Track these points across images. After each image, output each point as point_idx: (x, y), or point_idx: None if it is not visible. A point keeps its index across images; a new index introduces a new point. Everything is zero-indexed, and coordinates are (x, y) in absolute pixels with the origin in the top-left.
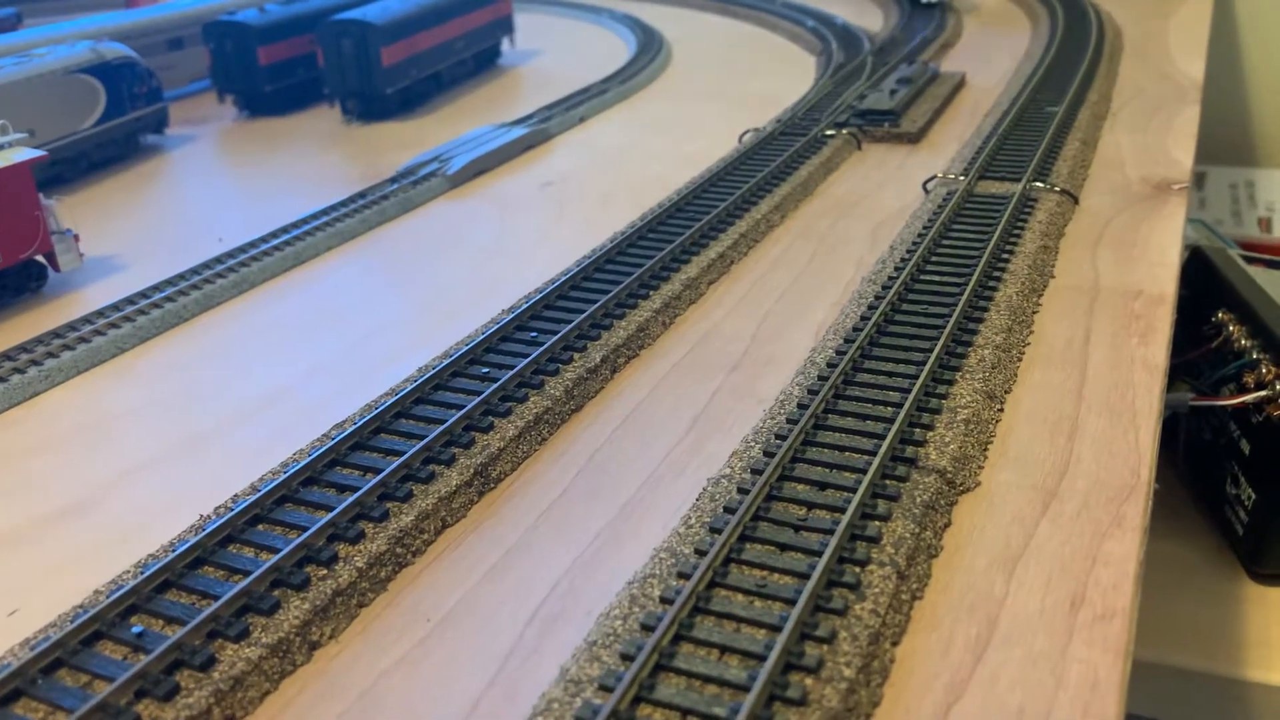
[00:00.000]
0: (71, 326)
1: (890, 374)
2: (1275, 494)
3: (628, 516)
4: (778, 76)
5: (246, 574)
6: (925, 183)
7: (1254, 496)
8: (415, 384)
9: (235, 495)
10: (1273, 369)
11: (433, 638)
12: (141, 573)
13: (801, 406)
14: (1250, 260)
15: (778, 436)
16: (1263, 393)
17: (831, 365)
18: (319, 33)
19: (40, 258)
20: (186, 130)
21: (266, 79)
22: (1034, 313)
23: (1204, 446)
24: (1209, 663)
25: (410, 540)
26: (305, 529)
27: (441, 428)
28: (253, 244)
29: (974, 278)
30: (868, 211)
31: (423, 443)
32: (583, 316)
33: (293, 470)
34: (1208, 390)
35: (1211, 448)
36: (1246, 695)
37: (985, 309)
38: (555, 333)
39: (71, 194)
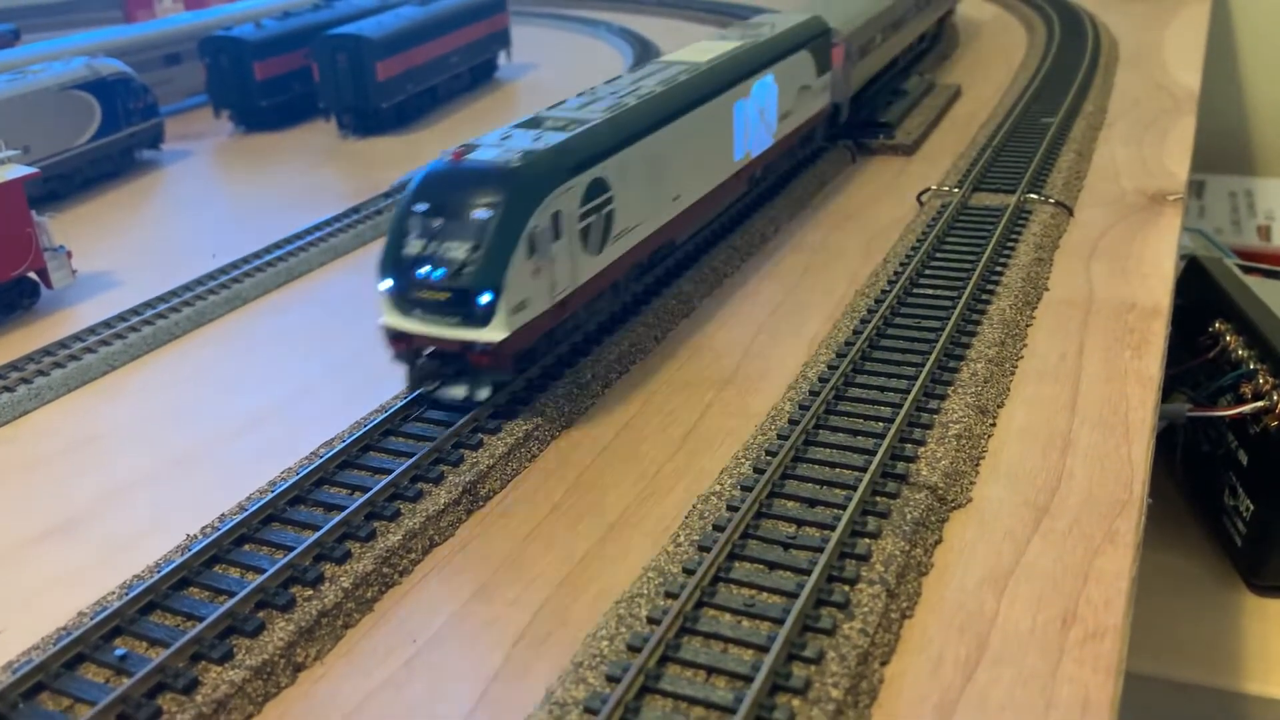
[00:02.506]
0: (63, 344)
1: (882, 389)
2: (1273, 505)
3: (617, 535)
4: None
5: (231, 595)
6: (919, 195)
7: (1252, 508)
8: (405, 400)
9: (222, 514)
10: (1270, 380)
11: (419, 659)
12: (126, 594)
13: (793, 422)
14: (1247, 270)
15: (768, 453)
16: (1260, 403)
17: (823, 380)
18: (314, 48)
19: (32, 275)
20: (182, 145)
21: (262, 94)
22: (1027, 326)
23: (1202, 457)
24: (1207, 675)
25: (397, 560)
26: (291, 549)
27: (430, 445)
28: (246, 259)
29: (967, 291)
30: (861, 224)
31: (411, 460)
32: (573, 331)
33: (280, 489)
34: (1205, 401)
35: (1209, 459)
36: (1245, 708)
37: (978, 322)
38: (547, 349)
39: (66, 210)
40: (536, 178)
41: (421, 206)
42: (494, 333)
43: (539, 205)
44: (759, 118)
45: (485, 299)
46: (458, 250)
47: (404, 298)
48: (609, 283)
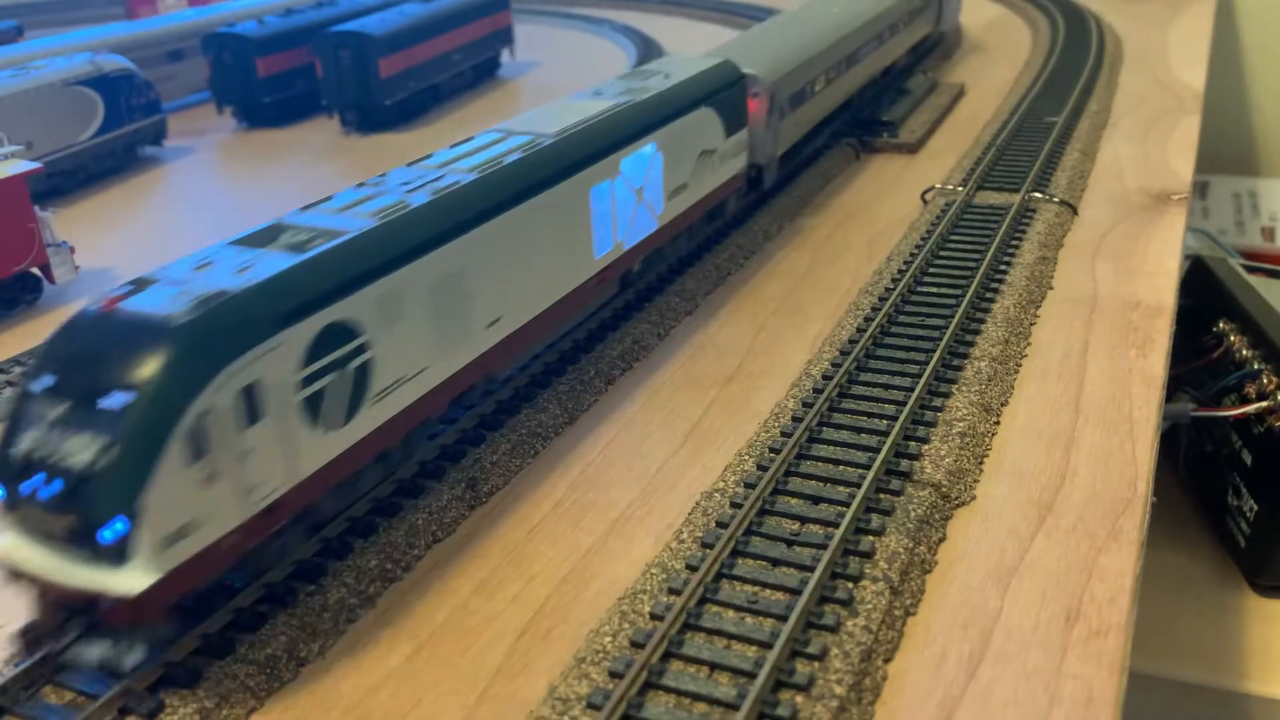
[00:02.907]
0: None
1: (886, 386)
2: (1277, 505)
3: (619, 531)
4: None
5: (235, 590)
6: (923, 193)
7: (1256, 508)
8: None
9: None
10: (1274, 379)
11: (421, 655)
12: None
13: (796, 419)
14: (1252, 270)
15: (771, 450)
16: (1264, 403)
17: (827, 378)
18: (317, 44)
19: (35, 270)
20: (185, 142)
21: (265, 90)
22: (1031, 324)
23: (1205, 457)
24: (1209, 676)
25: (400, 555)
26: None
27: (433, 441)
28: None
29: (971, 289)
30: (865, 222)
31: (413, 456)
32: (576, 328)
33: None
34: (1209, 401)
35: (1213, 459)
36: (1247, 709)
37: (982, 320)
38: (549, 345)
39: (68, 206)
40: (208, 338)
41: (45, 381)
42: (130, 579)
43: (209, 382)
44: (634, 199)
45: (114, 530)
46: (81, 452)
47: (17, 515)
48: (369, 457)
